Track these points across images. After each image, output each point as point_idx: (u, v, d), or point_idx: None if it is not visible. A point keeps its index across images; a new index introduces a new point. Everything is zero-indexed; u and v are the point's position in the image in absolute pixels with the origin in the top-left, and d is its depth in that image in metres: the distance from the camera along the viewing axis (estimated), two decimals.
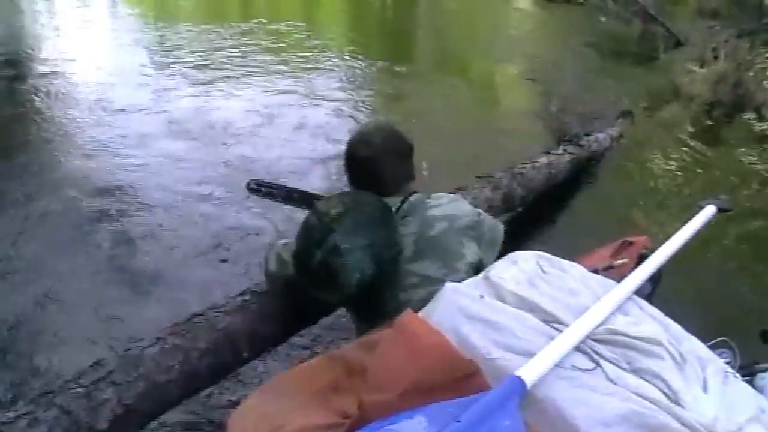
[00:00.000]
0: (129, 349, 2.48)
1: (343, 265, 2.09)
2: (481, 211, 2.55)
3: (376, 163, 2.41)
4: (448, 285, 1.88)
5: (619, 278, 2.01)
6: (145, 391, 2.36)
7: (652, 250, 2.30)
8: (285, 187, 3.23)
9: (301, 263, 2.20)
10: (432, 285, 2.10)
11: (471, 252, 2.35)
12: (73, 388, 2.29)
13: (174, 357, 2.47)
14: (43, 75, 7.92)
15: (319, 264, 2.11)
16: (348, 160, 2.48)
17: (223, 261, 4.23)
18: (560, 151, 5.24)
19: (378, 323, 1.90)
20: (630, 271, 2.08)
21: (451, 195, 2.58)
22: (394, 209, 2.33)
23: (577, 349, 1.66)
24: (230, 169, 5.54)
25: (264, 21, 11.16)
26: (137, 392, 2.33)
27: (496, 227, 2.52)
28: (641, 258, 2.38)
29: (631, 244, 2.77)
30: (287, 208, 3.56)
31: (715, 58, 9.16)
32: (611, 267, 2.41)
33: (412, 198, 2.42)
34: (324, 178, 5.39)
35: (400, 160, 2.48)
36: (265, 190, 3.24)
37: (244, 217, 4.71)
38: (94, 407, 2.24)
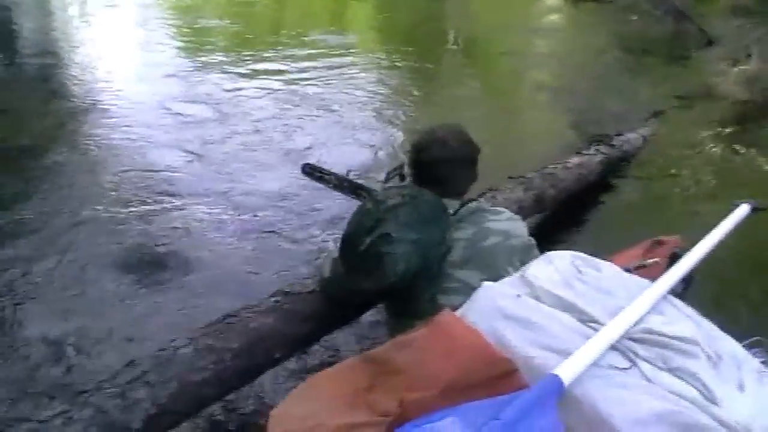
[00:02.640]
0: (162, 349, 2.49)
1: (390, 254, 2.12)
2: (533, 240, 2.54)
3: (451, 166, 2.46)
4: (485, 284, 1.88)
5: (650, 278, 2.00)
6: (178, 391, 2.37)
7: (684, 250, 2.29)
8: (337, 174, 3.30)
9: (349, 245, 2.23)
10: (471, 294, 2.07)
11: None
12: (108, 388, 2.31)
13: (207, 358, 2.49)
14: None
15: (367, 249, 2.14)
16: (418, 158, 2.50)
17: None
18: (591, 152, 5.19)
19: (411, 322, 1.90)
20: (662, 271, 2.07)
21: (511, 213, 2.59)
22: (451, 211, 2.35)
23: (614, 348, 1.65)
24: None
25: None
26: (170, 392, 2.35)
27: None
28: (673, 257, 2.37)
29: (661, 243, 2.76)
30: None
31: (748, 56, 9.05)
32: (643, 266, 2.40)
33: (471, 204, 2.45)
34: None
35: (471, 165, 2.53)
36: (317, 174, 3.34)
37: None
38: (128, 407, 2.26)
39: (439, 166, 2.45)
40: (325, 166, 3.41)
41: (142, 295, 3.76)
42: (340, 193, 3.31)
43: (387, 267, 2.13)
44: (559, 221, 4.78)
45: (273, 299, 2.77)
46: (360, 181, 3.19)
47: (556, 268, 1.95)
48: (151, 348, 2.58)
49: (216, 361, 2.49)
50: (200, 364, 2.46)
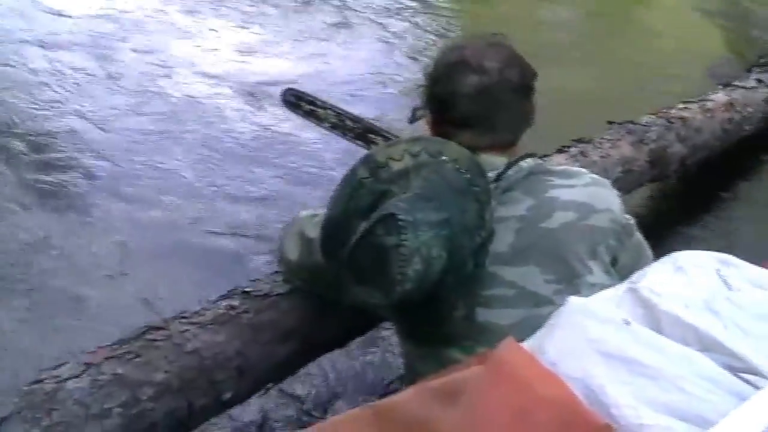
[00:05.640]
0: (38, 381, 1.73)
1: (399, 248, 1.45)
2: (631, 218, 1.88)
3: (489, 101, 1.73)
4: (574, 301, 1.33)
5: None
6: None
7: None
8: (335, 107, 2.62)
9: (334, 239, 1.58)
10: (534, 306, 1.57)
11: (598, 272, 1.70)
12: None
13: (113, 396, 1.73)
14: None
15: (362, 242, 1.49)
16: (436, 90, 1.81)
17: None
18: (751, 83, 3.93)
19: (441, 352, 1.48)
20: None
21: (593, 175, 1.89)
22: (492, 174, 1.67)
23: None
24: None
25: None
26: None
27: (645, 253, 1.87)
28: None
29: None
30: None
31: None
32: None
33: (525, 163, 1.74)
34: None
35: (521, 97, 1.80)
36: (306, 106, 2.67)
37: None
38: None
39: (476, 100, 1.73)
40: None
41: None
42: (338, 137, 2.63)
43: (395, 270, 1.48)
44: (689, 198, 3.77)
45: (226, 303, 2.02)
46: (371, 120, 2.48)
47: (690, 279, 1.37)
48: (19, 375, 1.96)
49: (127, 402, 1.73)
50: (101, 406, 1.70)
